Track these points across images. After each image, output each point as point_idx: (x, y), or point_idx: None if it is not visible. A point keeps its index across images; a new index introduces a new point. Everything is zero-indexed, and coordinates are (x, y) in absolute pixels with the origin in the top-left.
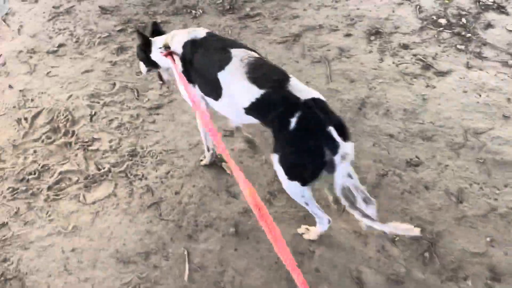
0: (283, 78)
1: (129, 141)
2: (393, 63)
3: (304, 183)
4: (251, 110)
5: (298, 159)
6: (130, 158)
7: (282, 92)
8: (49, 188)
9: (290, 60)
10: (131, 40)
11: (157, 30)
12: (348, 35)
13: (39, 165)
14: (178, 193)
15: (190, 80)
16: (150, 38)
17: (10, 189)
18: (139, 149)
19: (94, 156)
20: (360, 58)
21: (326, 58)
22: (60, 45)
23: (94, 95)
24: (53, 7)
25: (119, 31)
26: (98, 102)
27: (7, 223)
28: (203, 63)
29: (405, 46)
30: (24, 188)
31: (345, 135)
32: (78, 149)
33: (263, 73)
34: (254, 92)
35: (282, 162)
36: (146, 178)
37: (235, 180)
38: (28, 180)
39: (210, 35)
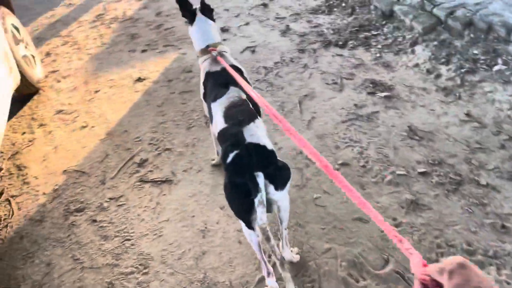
0: (246, 119)
1: None
2: None
3: (240, 219)
4: (218, 138)
5: (227, 191)
6: None
7: (235, 130)
8: None
9: None
10: (434, 198)
11: None
12: None
13: None
14: None
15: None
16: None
17: None
18: None
19: None
20: None
21: None
22: (343, 164)
23: (357, 266)
24: (354, 104)
25: (421, 173)
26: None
27: None
28: (210, 91)
29: None
30: None
31: (276, 184)
32: None
33: (234, 111)
34: (221, 125)
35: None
36: None
37: None
38: None
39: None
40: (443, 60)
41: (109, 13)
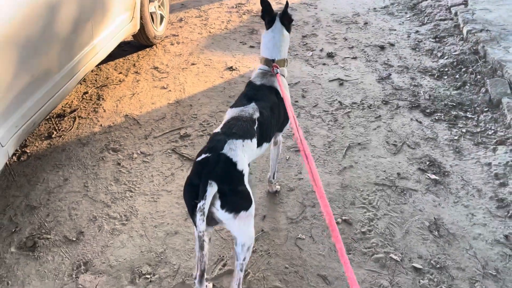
0: (238, 134)
1: None
2: None
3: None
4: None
5: (184, 186)
6: None
7: (221, 137)
8: None
9: None
10: None
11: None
12: None
13: None
14: None
15: None
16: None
17: None
18: None
19: None
20: None
21: None
22: (346, 221)
23: None
24: (398, 173)
25: (415, 268)
26: None
27: None
28: (238, 97)
29: None
30: None
31: (224, 204)
32: None
33: (234, 123)
34: (217, 129)
35: None
36: None
37: None
38: None
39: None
40: None
41: (248, 5)
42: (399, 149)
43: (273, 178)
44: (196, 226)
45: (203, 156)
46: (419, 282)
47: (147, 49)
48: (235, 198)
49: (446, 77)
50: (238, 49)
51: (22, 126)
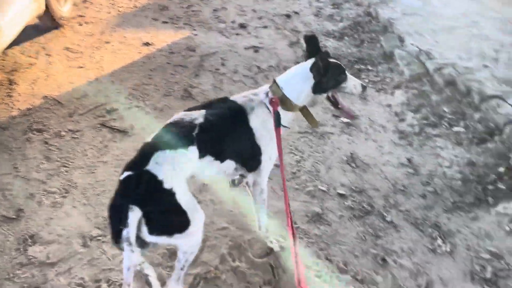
0: (167, 144)
1: None
2: None
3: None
4: None
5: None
6: None
7: (148, 150)
8: None
9: None
10: (339, 218)
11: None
12: None
13: None
14: None
15: None
16: None
17: None
18: None
19: None
20: None
21: None
22: (277, 165)
23: None
24: None
25: (339, 194)
26: None
27: None
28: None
29: None
30: None
31: (152, 228)
32: None
33: (165, 131)
34: (148, 139)
35: None
36: None
37: None
38: None
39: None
40: (413, 108)
41: None
42: (315, 102)
43: (259, 229)
44: (121, 247)
45: (125, 174)
46: (344, 203)
47: (55, 31)
48: (164, 222)
49: (346, 37)
50: (151, 25)
51: None
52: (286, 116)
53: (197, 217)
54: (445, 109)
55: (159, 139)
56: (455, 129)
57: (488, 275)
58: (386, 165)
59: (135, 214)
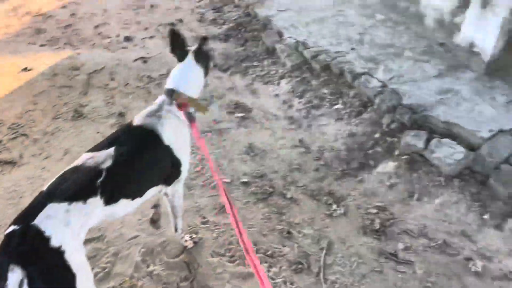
0: (62, 195)
1: None
2: None
3: None
4: None
5: None
6: None
7: (40, 201)
8: None
9: None
10: (244, 204)
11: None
12: None
13: None
14: None
15: None
16: None
17: None
18: None
19: None
20: None
21: None
22: None
23: None
24: (213, 120)
25: (243, 183)
26: None
27: None
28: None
29: None
30: None
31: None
32: None
33: (64, 178)
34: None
35: None
36: None
37: None
38: None
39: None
40: (298, 94)
41: (26, 7)
42: (210, 102)
43: (176, 231)
44: None
45: (10, 228)
46: (248, 190)
47: None
48: (47, 283)
49: (231, 38)
50: (28, 50)
51: None
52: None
53: (85, 282)
54: (325, 90)
55: (54, 188)
56: (335, 107)
57: (377, 226)
58: (281, 149)
59: (15, 275)
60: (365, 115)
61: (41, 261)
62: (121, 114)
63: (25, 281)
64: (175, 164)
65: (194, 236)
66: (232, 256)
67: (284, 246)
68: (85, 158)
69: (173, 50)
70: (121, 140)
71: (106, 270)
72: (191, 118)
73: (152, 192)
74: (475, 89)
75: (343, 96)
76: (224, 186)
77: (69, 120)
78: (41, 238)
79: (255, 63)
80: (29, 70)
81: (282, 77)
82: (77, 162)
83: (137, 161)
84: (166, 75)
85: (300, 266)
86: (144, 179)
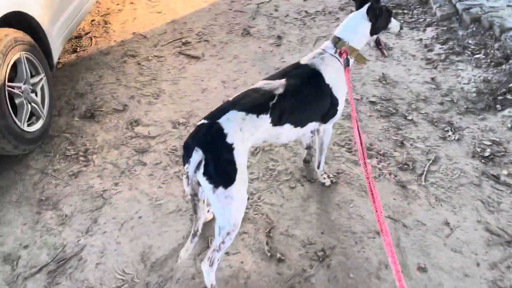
0: (242, 106)
1: None
2: None
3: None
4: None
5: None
6: None
7: (226, 106)
8: None
9: None
10: (368, 118)
11: None
12: None
13: None
14: None
15: None
16: None
17: None
18: None
19: None
20: None
21: None
22: None
23: None
24: None
25: (370, 101)
26: None
27: None
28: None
29: None
30: None
31: (205, 172)
32: None
33: (245, 94)
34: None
35: None
36: None
37: None
38: None
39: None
40: (442, 40)
41: None
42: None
43: (318, 168)
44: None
45: (202, 121)
46: (373, 107)
47: None
48: (216, 170)
49: None
50: None
51: (65, 30)
52: (350, 61)
53: (243, 183)
54: (470, 41)
55: (237, 100)
56: (476, 56)
57: (487, 154)
58: (412, 83)
59: (197, 155)
60: (505, 66)
61: (218, 150)
62: (279, 37)
63: (203, 162)
64: (333, 103)
65: (332, 176)
66: (349, 148)
67: (395, 151)
68: (262, 83)
69: (359, 5)
70: (291, 74)
71: None
72: (347, 64)
73: (311, 127)
74: None
75: (487, 47)
76: (354, 103)
77: (239, 36)
78: (221, 133)
79: (405, 11)
80: None
81: (429, 25)
82: (256, 85)
83: (304, 93)
84: (321, 12)
85: (405, 166)
86: (307, 111)
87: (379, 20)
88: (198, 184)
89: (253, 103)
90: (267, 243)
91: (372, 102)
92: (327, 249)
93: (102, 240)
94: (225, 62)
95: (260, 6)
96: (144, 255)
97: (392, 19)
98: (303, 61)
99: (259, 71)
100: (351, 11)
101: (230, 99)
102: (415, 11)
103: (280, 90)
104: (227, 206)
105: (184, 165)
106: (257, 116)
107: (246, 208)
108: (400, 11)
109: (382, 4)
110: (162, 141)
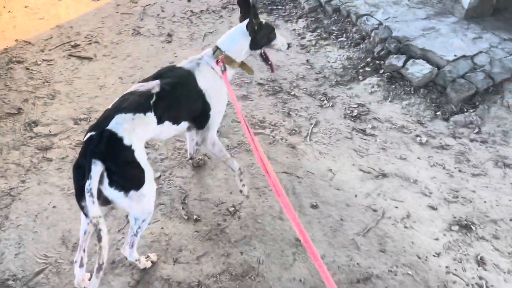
0: (126, 108)
1: None
2: None
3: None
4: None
5: (73, 165)
6: None
7: (109, 114)
8: None
9: None
10: (258, 96)
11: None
12: None
13: None
14: None
15: None
16: None
17: None
18: None
19: None
20: None
21: None
22: None
23: None
24: None
25: (259, 83)
26: None
27: None
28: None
29: None
30: None
31: (111, 182)
32: None
33: (124, 98)
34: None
35: None
36: None
37: None
38: None
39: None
40: (311, 29)
41: None
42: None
43: (235, 177)
44: (86, 213)
45: (88, 135)
46: (263, 88)
47: None
48: (123, 175)
49: None
50: None
51: None
52: (229, 72)
53: (150, 179)
54: (333, 28)
55: (119, 105)
56: (340, 39)
57: (355, 114)
58: (291, 65)
59: (97, 168)
60: (362, 45)
61: (117, 156)
62: (169, 35)
63: (105, 173)
64: (205, 108)
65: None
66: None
67: (284, 120)
68: (137, 86)
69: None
70: (166, 75)
71: None
72: (224, 69)
73: (184, 126)
74: (452, 29)
75: (347, 31)
76: (245, 120)
77: (130, 35)
78: (116, 138)
79: (279, 6)
80: (98, 0)
81: (300, 17)
82: (131, 89)
83: (177, 91)
84: (205, 11)
85: (294, 131)
86: (180, 109)
87: (258, 35)
88: (106, 200)
89: (135, 104)
90: (183, 209)
91: (261, 84)
92: (236, 205)
93: (17, 233)
94: (119, 60)
95: (146, 8)
96: (64, 238)
97: (279, 36)
98: (180, 64)
99: (154, 65)
100: (233, 9)
101: (109, 107)
102: (287, 6)
103: (156, 89)
104: (141, 203)
105: (77, 190)
106: (145, 114)
107: (160, 184)
108: (275, 7)
109: (262, 20)
110: (65, 137)
